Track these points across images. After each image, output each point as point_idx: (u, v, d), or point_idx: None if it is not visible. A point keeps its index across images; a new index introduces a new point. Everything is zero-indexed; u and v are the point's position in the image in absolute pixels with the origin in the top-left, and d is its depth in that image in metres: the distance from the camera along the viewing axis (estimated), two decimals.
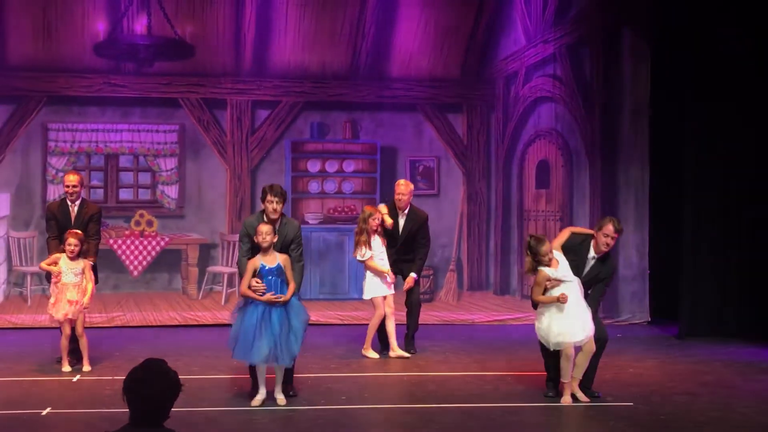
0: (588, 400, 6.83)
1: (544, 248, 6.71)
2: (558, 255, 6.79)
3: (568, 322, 6.68)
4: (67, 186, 8.29)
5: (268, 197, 6.99)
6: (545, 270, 6.73)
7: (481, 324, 10.81)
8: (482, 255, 11.42)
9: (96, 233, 8.35)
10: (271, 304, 6.62)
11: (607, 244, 6.78)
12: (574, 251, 6.87)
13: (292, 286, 6.74)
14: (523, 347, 9.05)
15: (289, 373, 6.91)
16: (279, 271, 6.71)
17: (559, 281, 6.69)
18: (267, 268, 6.70)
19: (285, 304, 6.67)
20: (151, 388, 3.34)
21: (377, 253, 8.56)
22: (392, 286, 8.66)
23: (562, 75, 11.15)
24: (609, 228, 6.76)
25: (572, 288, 6.72)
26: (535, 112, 11.31)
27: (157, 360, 3.46)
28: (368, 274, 8.59)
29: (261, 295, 6.62)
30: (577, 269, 6.83)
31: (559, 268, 6.74)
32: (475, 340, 9.66)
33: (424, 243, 8.95)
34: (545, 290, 6.74)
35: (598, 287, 6.94)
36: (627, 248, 11.02)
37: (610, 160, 11.09)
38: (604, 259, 6.91)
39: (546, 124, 11.29)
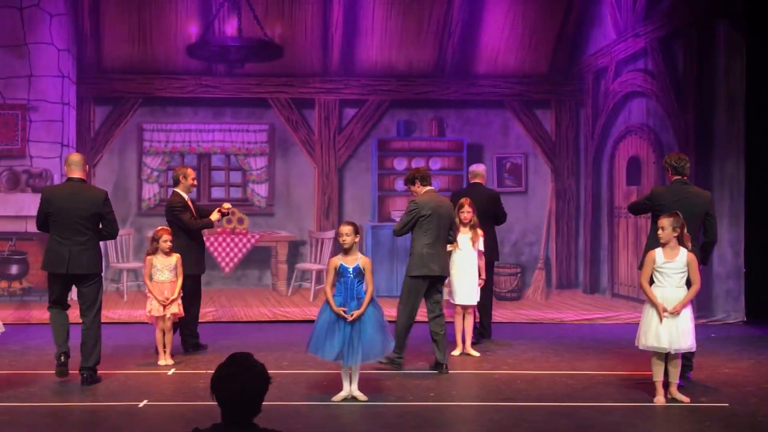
0: (687, 400, 6.69)
1: (662, 221, 6.65)
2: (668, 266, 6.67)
3: (659, 327, 6.57)
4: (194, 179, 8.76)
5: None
6: (655, 253, 6.65)
7: (570, 323, 10.68)
8: (571, 253, 11.28)
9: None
10: (338, 314, 6.69)
11: None
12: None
13: (369, 290, 6.76)
14: (613, 346, 8.91)
15: None
16: (357, 272, 6.76)
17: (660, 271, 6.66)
18: (346, 268, 6.76)
19: (354, 321, 6.68)
20: (240, 384, 3.25)
21: (464, 251, 8.50)
22: (467, 296, 8.55)
23: (654, 69, 10.93)
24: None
25: (670, 295, 6.60)
26: (626, 107, 11.11)
27: (243, 354, 3.37)
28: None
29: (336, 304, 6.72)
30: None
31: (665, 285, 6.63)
32: (564, 339, 9.54)
33: None
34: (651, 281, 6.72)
35: None
36: (722, 246, 10.73)
37: (705, 155, 10.82)
38: None
39: (637, 119, 11.08)
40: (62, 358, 7.21)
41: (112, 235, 7.57)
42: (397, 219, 11.20)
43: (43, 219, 7.30)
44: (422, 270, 7.79)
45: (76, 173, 7.35)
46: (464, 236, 8.53)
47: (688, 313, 6.65)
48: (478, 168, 9.47)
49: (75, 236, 7.19)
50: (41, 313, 10.26)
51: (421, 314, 10.62)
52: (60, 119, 10.88)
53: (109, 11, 10.93)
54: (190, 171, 8.75)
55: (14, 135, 10.81)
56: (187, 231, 8.50)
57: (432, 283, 7.88)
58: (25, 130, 10.80)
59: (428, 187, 8.05)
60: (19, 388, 7.07)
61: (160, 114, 11.16)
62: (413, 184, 8.08)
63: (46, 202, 7.26)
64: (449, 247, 8.57)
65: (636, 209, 7.85)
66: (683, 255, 6.64)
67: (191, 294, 8.50)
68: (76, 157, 7.44)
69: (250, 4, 10.75)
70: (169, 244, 8.03)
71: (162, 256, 8.04)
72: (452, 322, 8.85)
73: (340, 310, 6.67)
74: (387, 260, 11.08)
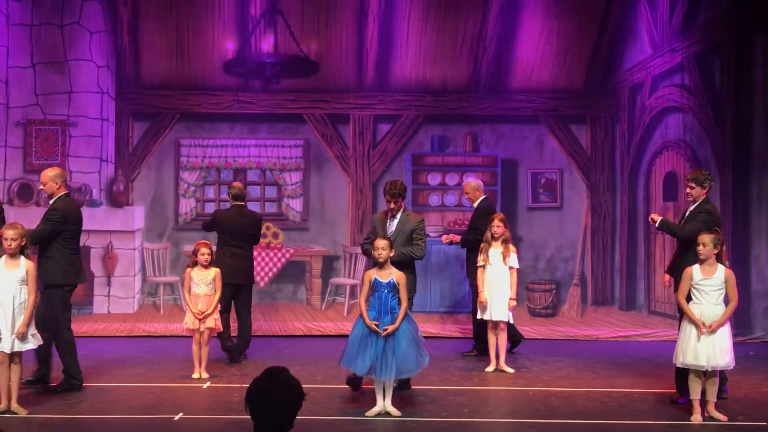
0: (725, 419, 6.60)
1: (703, 238, 6.58)
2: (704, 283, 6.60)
3: (697, 344, 6.50)
4: None
5: (387, 197, 7.56)
6: (692, 270, 6.59)
7: (606, 340, 10.58)
8: (607, 269, 11.19)
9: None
10: (371, 329, 6.69)
11: (687, 193, 7.36)
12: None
13: (404, 306, 6.75)
14: (649, 364, 8.82)
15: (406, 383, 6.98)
16: (392, 286, 6.76)
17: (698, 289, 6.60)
18: (380, 282, 6.77)
19: (388, 335, 6.67)
20: (275, 398, 3.27)
21: (494, 265, 8.46)
22: (498, 312, 8.45)
23: (691, 84, 10.85)
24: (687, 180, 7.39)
25: (708, 313, 6.53)
26: (662, 122, 11.03)
27: (280, 368, 3.39)
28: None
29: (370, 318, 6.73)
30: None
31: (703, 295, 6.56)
32: (599, 356, 9.46)
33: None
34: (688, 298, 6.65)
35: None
36: (759, 262, 10.62)
37: (742, 171, 10.71)
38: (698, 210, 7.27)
39: (674, 134, 11.00)
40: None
41: None
42: (432, 234, 11.24)
43: (57, 234, 7.38)
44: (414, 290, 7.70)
45: (66, 188, 7.55)
46: (495, 251, 8.49)
47: (726, 331, 6.57)
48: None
49: (79, 248, 7.60)
50: (78, 326, 10.40)
51: (457, 330, 10.63)
52: (99, 135, 11.04)
53: (148, 28, 11.09)
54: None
55: (54, 150, 10.98)
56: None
57: None
58: (65, 146, 10.98)
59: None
60: (56, 400, 7.16)
61: (197, 129, 11.28)
62: (403, 198, 7.60)
63: (69, 220, 7.37)
64: (480, 262, 8.56)
65: (699, 231, 6.93)
66: (721, 272, 6.57)
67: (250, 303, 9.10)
68: (66, 173, 7.64)
69: (287, 21, 10.85)
70: (207, 257, 8.10)
71: (200, 270, 8.11)
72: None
73: (373, 324, 6.68)
74: (420, 275, 10.99)
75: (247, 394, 3.34)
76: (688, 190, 7.35)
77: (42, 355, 7.46)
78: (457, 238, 9.41)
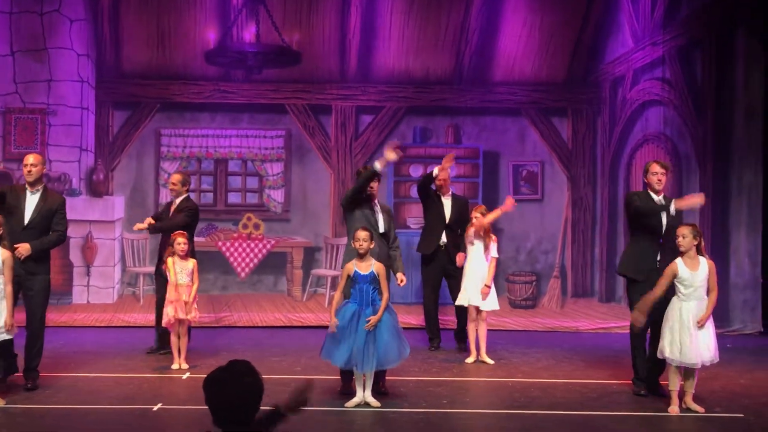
0: (702, 410, 6.65)
1: (682, 230, 6.57)
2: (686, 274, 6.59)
3: (686, 340, 6.52)
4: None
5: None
6: (677, 265, 6.56)
7: (586, 332, 10.65)
8: (587, 261, 11.24)
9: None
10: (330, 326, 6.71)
11: (659, 180, 7.19)
12: (645, 202, 7.18)
13: (385, 297, 6.75)
14: (628, 356, 8.83)
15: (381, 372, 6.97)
16: (372, 279, 6.75)
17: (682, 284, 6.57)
18: (360, 275, 6.76)
19: (371, 327, 6.66)
20: (227, 391, 3.20)
21: (474, 256, 8.52)
22: (479, 297, 8.49)
23: (672, 77, 10.89)
24: (654, 167, 7.23)
25: (695, 308, 6.55)
26: (643, 115, 11.08)
27: (241, 362, 3.29)
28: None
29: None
30: (654, 212, 7.09)
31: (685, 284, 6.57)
32: (579, 348, 9.52)
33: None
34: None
35: None
36: (739, 255, 10.69)
37: (722, 164, 10.77)
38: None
39: (654, 128, 11.04)
40: None
41: None
42: (413, 226, 11.25)
43: None
44: None
45: None
46: (478, 243, 8.57)
47: (710, 325, 6.59)
48: None
49: None
50: (57, 316, 10.36)
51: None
52: (79, 123, 10.96)
53: (129, 17, 11.01)
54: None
55: (34, 139, 10.90)
56: None
57: None
58: (44, 134, 10.89)
59: None
60: (35, 390, 7.12)
61: (177, 119, 11.22)
62: None
63: None
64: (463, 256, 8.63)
65: None
66: (704, 264, 6.59)
67: None
68: None
69: (269, 11, 10.80)
70: (182, 246, 8.06)
71: (178, 260, 8.08)
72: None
73: (333, 324, 6.65)
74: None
75: (204, 382, 3.29)
76: (660, 177, 7.19)
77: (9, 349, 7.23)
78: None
